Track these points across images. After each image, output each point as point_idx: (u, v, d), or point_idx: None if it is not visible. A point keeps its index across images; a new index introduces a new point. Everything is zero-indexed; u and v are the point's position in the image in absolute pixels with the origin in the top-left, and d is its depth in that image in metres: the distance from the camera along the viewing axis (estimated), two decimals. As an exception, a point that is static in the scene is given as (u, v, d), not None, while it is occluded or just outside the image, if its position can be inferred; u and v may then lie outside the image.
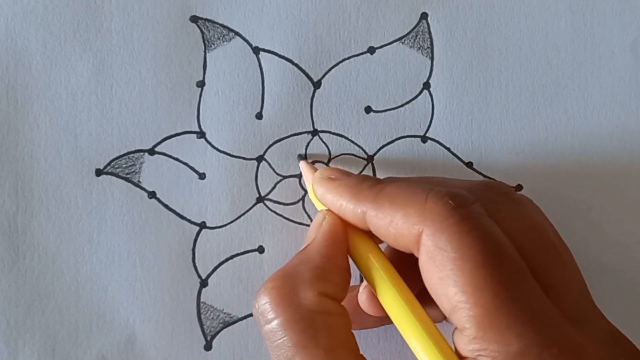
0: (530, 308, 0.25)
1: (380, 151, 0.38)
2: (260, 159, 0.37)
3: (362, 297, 0.31)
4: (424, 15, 0.38)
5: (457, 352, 0.26)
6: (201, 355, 0.36)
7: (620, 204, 0.38)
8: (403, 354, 0.38)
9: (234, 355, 0.36)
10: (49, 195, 0.35)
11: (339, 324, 0.28)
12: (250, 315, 0.37)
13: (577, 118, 0.38)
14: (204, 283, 0.36)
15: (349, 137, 0.38)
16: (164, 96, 0.36)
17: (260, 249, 0.37)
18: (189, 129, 0.37)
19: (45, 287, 0.35)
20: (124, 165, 0.36)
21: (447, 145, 0.38)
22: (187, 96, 0.37)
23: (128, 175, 0.36)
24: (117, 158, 0.36)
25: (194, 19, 0.37)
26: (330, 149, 0.37)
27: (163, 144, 0.36)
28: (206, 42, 0.37)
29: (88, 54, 0.36)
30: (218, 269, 0.37)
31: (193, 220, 0.36)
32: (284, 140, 0.37)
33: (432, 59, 0.38)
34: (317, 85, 0.37)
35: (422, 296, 0.28)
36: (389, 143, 0.38)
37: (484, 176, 0.38)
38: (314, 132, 0.37)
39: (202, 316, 0.36)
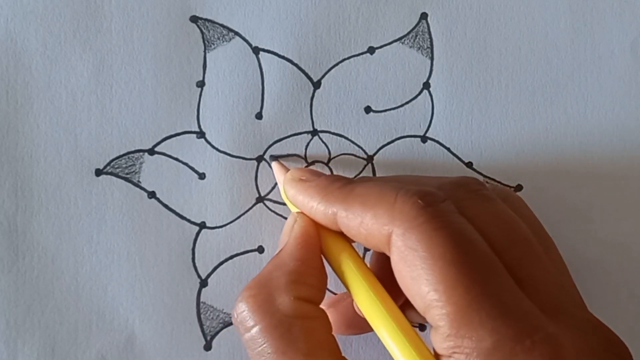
0: (502, 302, 0.24)
1: (380, 151, 0.38)
2: (260, 159, 0.37)
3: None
4: (424, 15, 0.38)
5: (434, 351, 0.26)
6: (201, 355, 0.36)
7: (620, 204, 0.38)
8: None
9: (234, 356, 0.36)
10: (49, 195, 0.35)
11: (318, 326, 0.28)
12: (250, 315, 0.37)
13: (577, 118, 0.38)
14: (203, 283, 0.36)
15: (349, 137, 0.38)
16: (164, 96, 0.36)
17: (260, 249, 0.37)
18: (189, 129, 0.37)
19: (45, 287, 0.35)
20: (124, 165, 0.36)
21: (447, 145, 0.38)
22: (187, 96, 0.37)
23: (128, 175, 0.36)
24: (117, 158, 0.36)
25: (194, 19, 0.37)
26: (330, 149, 0.37)
27: (163, 144, 0.36)
28: (206, 42, 0.37)
29: (88, 54, 0.36)
30: (218, 269, 0.37)
31: (193, 220, 0.36)
32: (284, 140, 0.37)
33: (431, 59, 0.38)
34: (316, 85, 0.37)
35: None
36: (388, 143, 0.38)
37: (484, 176, 0.38)
38: (314, 132, 0.37)
39: (202, 316, 0.36)
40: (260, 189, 0.37)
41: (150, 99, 0.36)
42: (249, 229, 0.37)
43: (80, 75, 0.36)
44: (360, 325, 0.33)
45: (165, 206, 0.36)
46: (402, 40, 0.38)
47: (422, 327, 0.38)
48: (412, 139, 0.38)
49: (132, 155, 0.36)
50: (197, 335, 0.36)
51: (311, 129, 0.37)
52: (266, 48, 0.37)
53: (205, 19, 0.37)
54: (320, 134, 0.37)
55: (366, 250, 0.37)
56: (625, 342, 0.27)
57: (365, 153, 0.38)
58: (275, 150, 0.37)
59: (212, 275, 0.36)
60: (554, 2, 0.38)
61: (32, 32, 0.36)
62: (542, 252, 0.28)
